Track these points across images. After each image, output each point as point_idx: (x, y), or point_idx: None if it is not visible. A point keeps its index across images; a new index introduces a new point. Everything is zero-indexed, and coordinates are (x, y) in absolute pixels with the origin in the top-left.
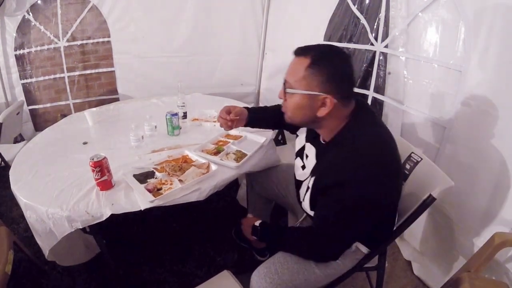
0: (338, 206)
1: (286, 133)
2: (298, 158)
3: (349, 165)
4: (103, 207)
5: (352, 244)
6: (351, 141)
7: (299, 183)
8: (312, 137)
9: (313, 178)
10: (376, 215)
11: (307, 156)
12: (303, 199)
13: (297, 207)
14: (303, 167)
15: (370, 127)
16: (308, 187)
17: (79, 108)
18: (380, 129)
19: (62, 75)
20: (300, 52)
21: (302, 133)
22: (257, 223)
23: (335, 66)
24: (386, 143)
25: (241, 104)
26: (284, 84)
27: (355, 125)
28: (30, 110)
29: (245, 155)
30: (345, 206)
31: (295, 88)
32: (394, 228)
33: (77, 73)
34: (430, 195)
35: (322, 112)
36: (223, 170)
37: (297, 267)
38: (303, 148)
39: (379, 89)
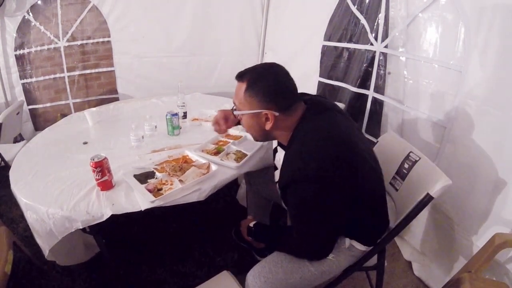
0: (294, 203)
1: None
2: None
3: (295, 165)
4: (104, 207)
5: (333, 239)
6: (297, 142)
7: (276, 184)
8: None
9: None
10: (341, 208)
11: (279, 159)
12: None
13: None
14: (275, 168)
15: (314, 126)
16: None
17: (79, 108)
18: (326, 125)
19: (62, 75)
20: (239, 77)
21: None
22: (251, 224)
23: (268, 85)
24: (331, 138)
25: None
26: (233, 107)
27: (301, 128)
28: (30, 110)
29: (245, 155)
30: (301, 201)
31: (241, 109)
32: (393, 227)
33: (77, 73)
34: (428, 193)
35: (268, 126)
36: (223, 170)
37: (291, 265)
38: (275, 150)
39: (379, 89)
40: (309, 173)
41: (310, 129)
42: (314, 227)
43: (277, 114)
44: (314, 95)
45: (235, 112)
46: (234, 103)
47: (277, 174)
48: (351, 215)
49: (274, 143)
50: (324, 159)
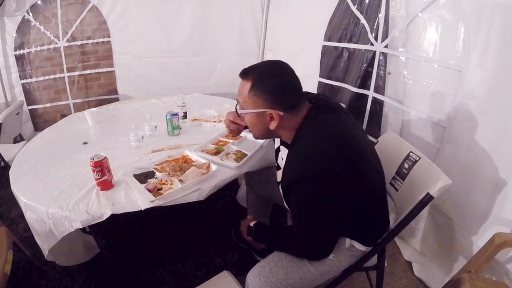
0: (297, 202)
1: None
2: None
3: (299, 163)
4: (103, 207)
5: (334, 239)
6: (302, 141)
7: (278, 184)
8: (284, 141)
9: None
10: (344, 208)
11: (282, 158)
12: (283, 200)
13: None
14: (278, 167)
15: (319, 125)
16: None
17: (79, 108)
18: (331, 124)
19: (62, 75)
20: (243, 75)
21: None
22: (252, 223)
23: (274, 84)
24: (336, 138)
25: None
26: (236, 105)
27: (305, 127)
28: (30, 110)
29: (245, 155)
30: (303, 201)
31: (244, 108)
32: (393, 227)
33: (77, 73)
34: (428, 193)
35: (272, 126)
36: (223, 170)
37: (291, 265)
38: (278, 150)
39: (379, 89)
40: (311, 173)
41: (314, 129)
42: (315, 227)
43: (282, 113)
44: (319, 94)
45: (238, 111)
46: (237, 101)
47: (279, 173)
48: (352, 215)
49: (277, 142)
50: (328, 160)
